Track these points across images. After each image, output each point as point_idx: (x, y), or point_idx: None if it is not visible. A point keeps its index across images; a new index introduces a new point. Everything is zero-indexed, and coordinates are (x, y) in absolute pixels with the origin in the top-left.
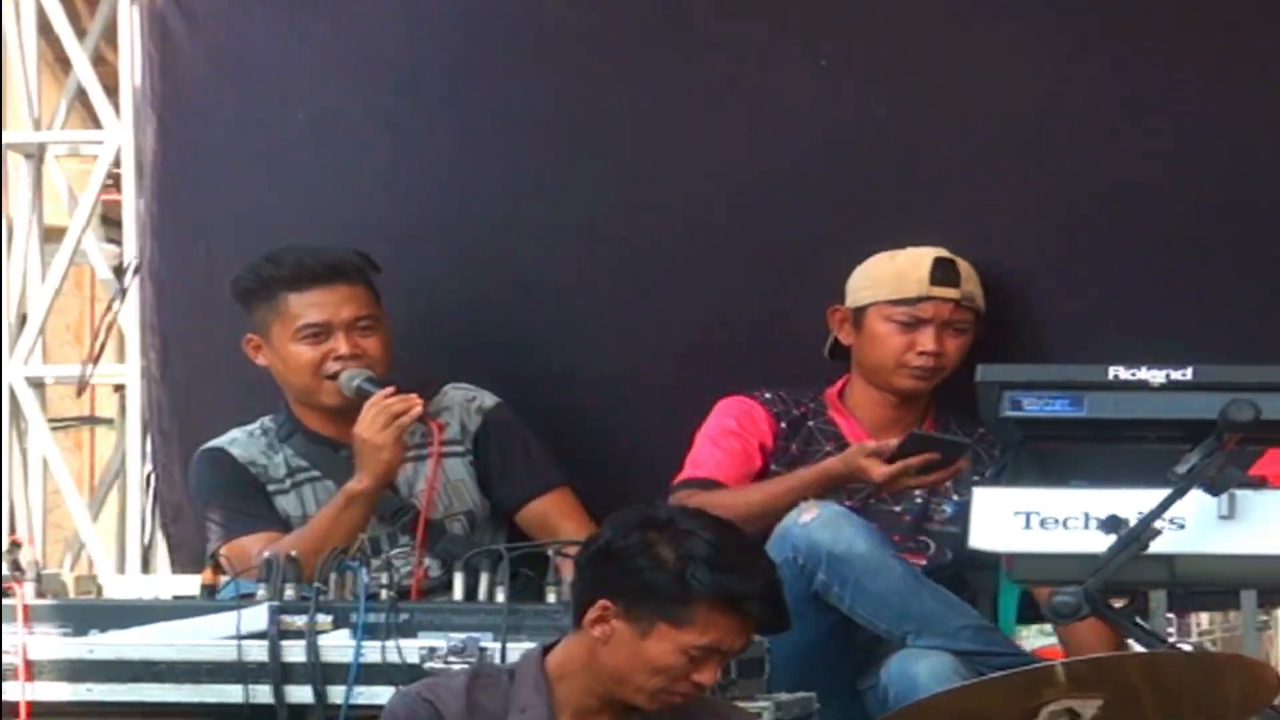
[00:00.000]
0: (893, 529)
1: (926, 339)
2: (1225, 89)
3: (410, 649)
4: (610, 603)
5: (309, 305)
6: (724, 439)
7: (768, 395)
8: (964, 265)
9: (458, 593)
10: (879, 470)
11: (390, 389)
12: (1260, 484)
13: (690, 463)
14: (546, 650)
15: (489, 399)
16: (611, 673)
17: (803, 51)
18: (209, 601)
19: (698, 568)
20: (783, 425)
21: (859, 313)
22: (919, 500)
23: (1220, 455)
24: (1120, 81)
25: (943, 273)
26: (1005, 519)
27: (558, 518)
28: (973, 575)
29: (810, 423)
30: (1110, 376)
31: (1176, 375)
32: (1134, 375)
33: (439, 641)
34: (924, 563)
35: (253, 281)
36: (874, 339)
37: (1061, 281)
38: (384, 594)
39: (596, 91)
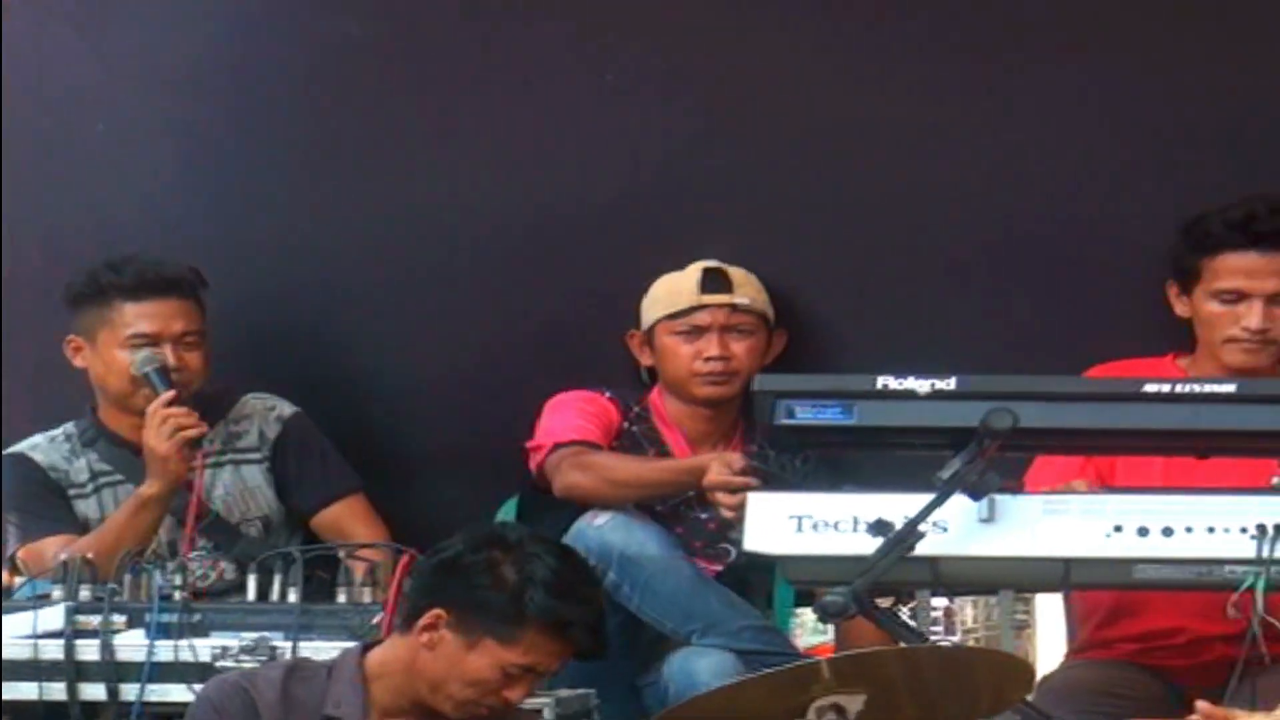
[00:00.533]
0: (696, 536)
1: (709, 345)
2: (1002, 109)
3: (203, 648)
4: (444, 611)
5: (142, 315)
6: (583, 413)
7: (608, 392)
8: (738, 273)
9: (251, 593)
10: (713, 480)
11: (170, 394)
12: (1018, 489)
13: (557, 430)
14: (367, 649)
15: (288, 408)
16: (428, 678)
17: (590, 68)
18: (6, 602)
19: (536, 591)
20: (623, 423)
21: (649, 332)
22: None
23: (981, 461)
24: (906, 94)
25: (712, 281)
26: (779, 522)
27: (351, 523)
28: (754, 576)
29: (635, 427)
30: (879, 385)
31: (941, 385)
32: (901, 384)
33: (231, 641)
34: (720, 569)
35: (88, 286)
36: (665, 354)
37: (849, 291)
38: (177, 595)
39: (388, 102)
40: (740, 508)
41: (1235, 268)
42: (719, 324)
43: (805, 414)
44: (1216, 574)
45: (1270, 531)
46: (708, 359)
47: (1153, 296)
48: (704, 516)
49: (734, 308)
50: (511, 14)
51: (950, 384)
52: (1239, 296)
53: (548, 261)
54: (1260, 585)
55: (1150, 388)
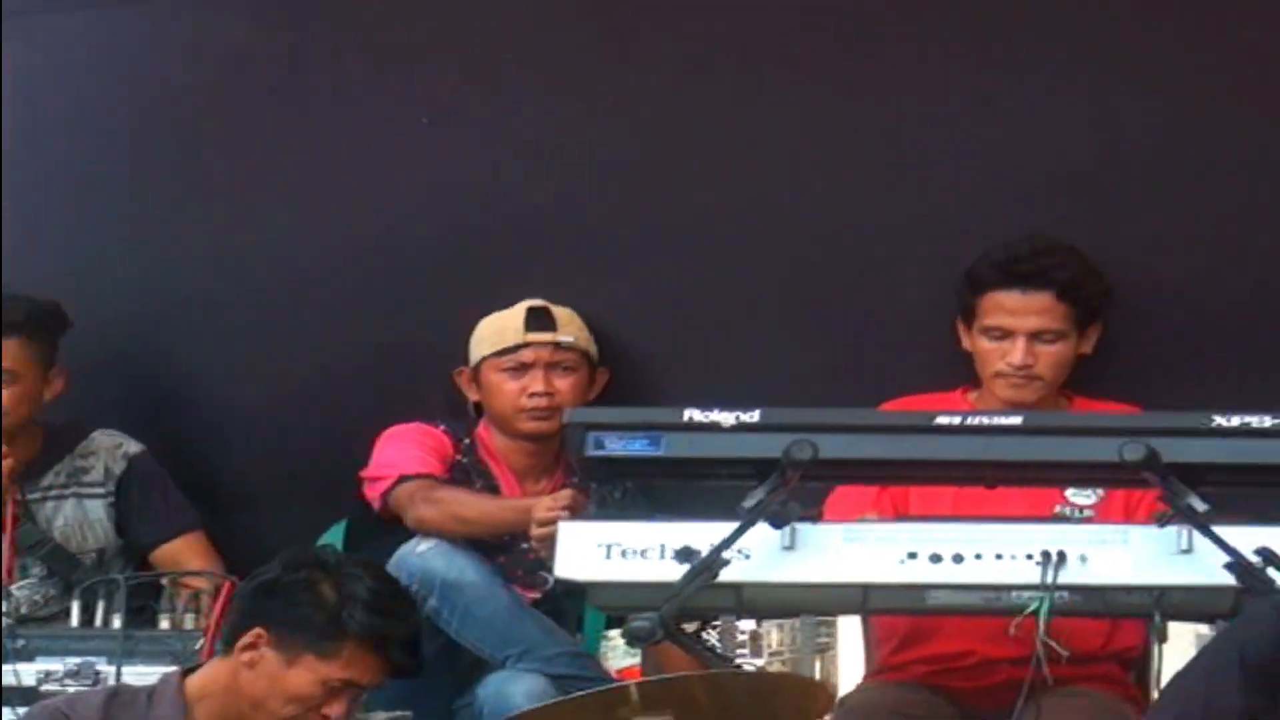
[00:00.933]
0: (517, 564)
1: (533, 382)
2: (809, 151)
3: (27, 672)
4: (264, 631)
5: None
6: (423, 445)
7: (441, 425)
8: (562, 312)
9: (75, 619)
10: (539, 516)
11: None
12: (818, 518)
13: (402, 462)
14: (187, 673)
15: (134, 446)
16: (250, 697)
17: (415, 107)
18: None
19: (355, 608)
20: (455, 456)
21: (476, 370)
22: None
23: (784, 491)
24: (717, 137)
25: (536, 320)
26: (588, 550)
27: (188, 558)
28: (566, 602)
29: (464, 459)
30: (685, 418)
31: (745, 417)
32: (707, 417)
33: (55, 665)
34: (539, 595)
35: None
36: (491, 390)
37: (667, 327)
38: (3, 620)
39: (227, 140)
40: (548, 540)
41: (1000, 306)
42: (543, 361)
43: (614, 446)
44: (1004, 599)
45: (1054, 558)
46: (532, 395)
47: (947, 333)
48: (525, 546)
49: (557, 345)
50: (338, 55)
51: (754, 416)
52: (1004, 334)
53: (377, 296)
54: (1044, 610)
55: (942, 420)
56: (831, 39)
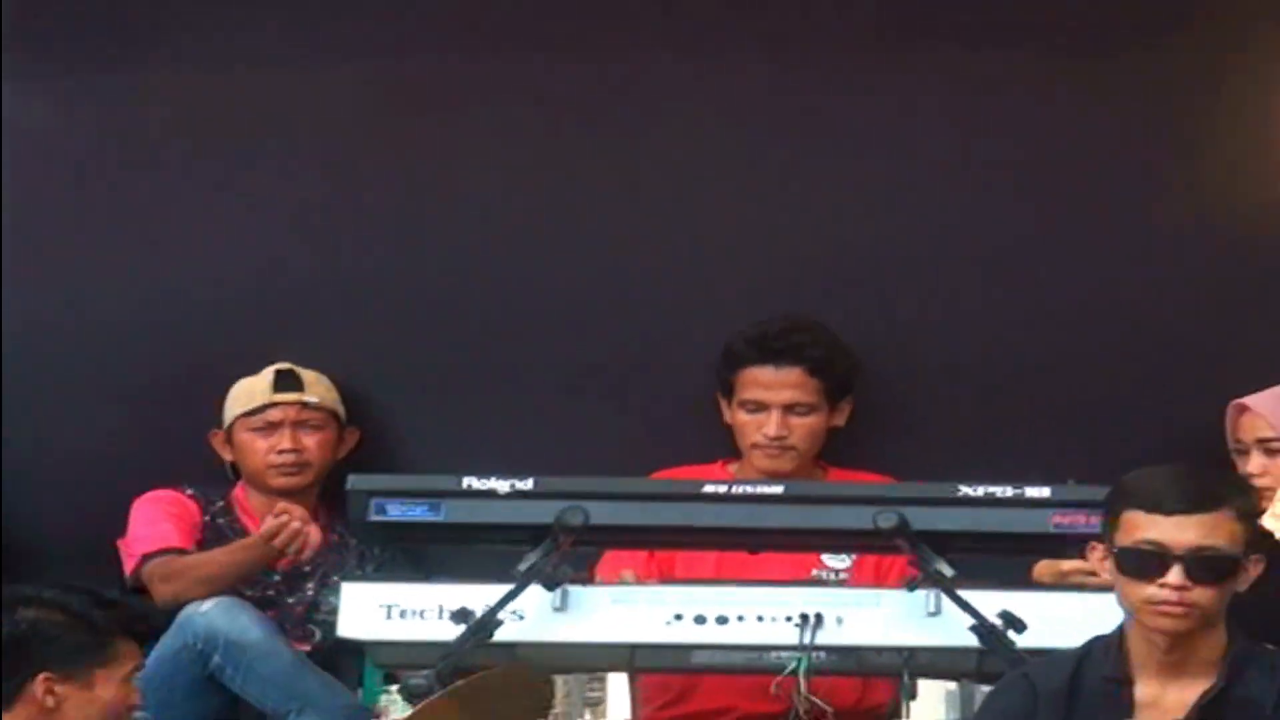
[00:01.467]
0: (286, 619)
1: (281, 440)
2: (597, 217)
3: None
4: (49, 674)
5: None
6: (168, 515)
7: (189, 490)
8: (309, 374)
9: None
10: (267, 528)
11: None
12: (589, 580)
13: (144, 539)
14: None
15: None
16: None
17: (182, 181)
18: None
19: (95, 611)
20: (205, 518)
21: (229, 430)
22: (310, 593)
23: (556, 555)
24: (478, 208)
25: (283, 381)
26: (370, 610)
27: None
28: (343, 658)
29: (219, 520)
30: (464, 486)
31: (520, 485)
32: (484, 485)
33: None
34: (309, 648)
35: None
36: (242, 449)
37: (425, 392)
38: None
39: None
40: (289, 536)
41: (756, 380)
42: (290, 420)
43: (396, 511)
44: (765, 659)
45: (812, 620)
46: (280, 452)
47: (710, 407)
48: (291, 601)
49: (304, 405)
50: (118, 130)
51: (528, 484)
52: (760, 406)
53: (143, 360)
54: (802, 668)
55: (708, 489)
56: (599, 122)
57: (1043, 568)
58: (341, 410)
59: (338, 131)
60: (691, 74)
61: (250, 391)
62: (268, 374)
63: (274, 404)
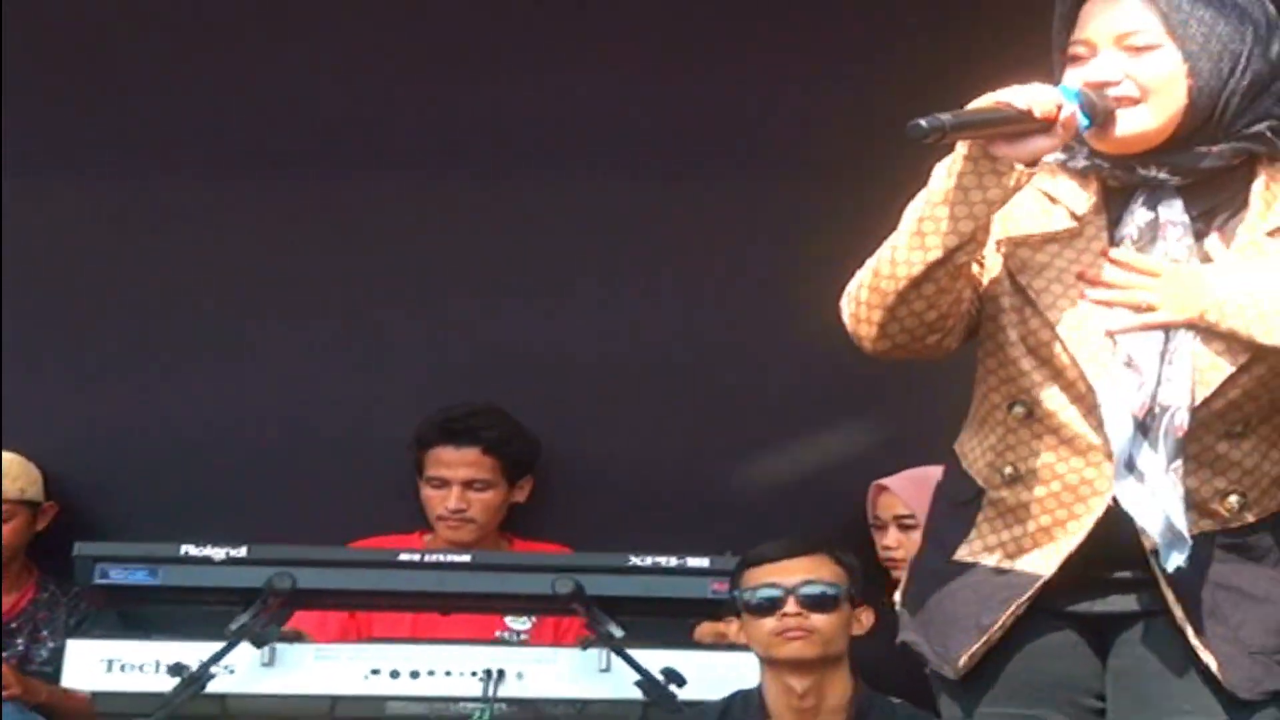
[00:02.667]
0: None
1: None
2: (338, 305)
3: None
4: None
5: None
6: None
7: None
8: (7, 461)
9: None
10: None
11: None
12: (297, 637)
13: None
14: None
15: None
16: None
17: None
18: None
19: None
20: None
21: None
22: (20, 647)
23: (264, 616)
24: (190, 264)
25: None
26: (94, 664)
27: None
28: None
29: None
30: (181, 553)
31: (234, 552)
32: (200, 552)
33: None
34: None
35: None
36: None
37: (126, 465)
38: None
39: None
40: None
41: (439, 459)
42: None
43: (118, 575)
44: (452, 710)
45: (494, 675)
46: None
47: (407, 482)
48: (5, 654)
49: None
50: None
51: (242, 552)
52: (443, 483)
53: None
54: (486, 719)
55: (403, 557)
56: (299, 230)
57: (704, 629)
58: (37, 491)
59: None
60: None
61: None
62: None
63: None
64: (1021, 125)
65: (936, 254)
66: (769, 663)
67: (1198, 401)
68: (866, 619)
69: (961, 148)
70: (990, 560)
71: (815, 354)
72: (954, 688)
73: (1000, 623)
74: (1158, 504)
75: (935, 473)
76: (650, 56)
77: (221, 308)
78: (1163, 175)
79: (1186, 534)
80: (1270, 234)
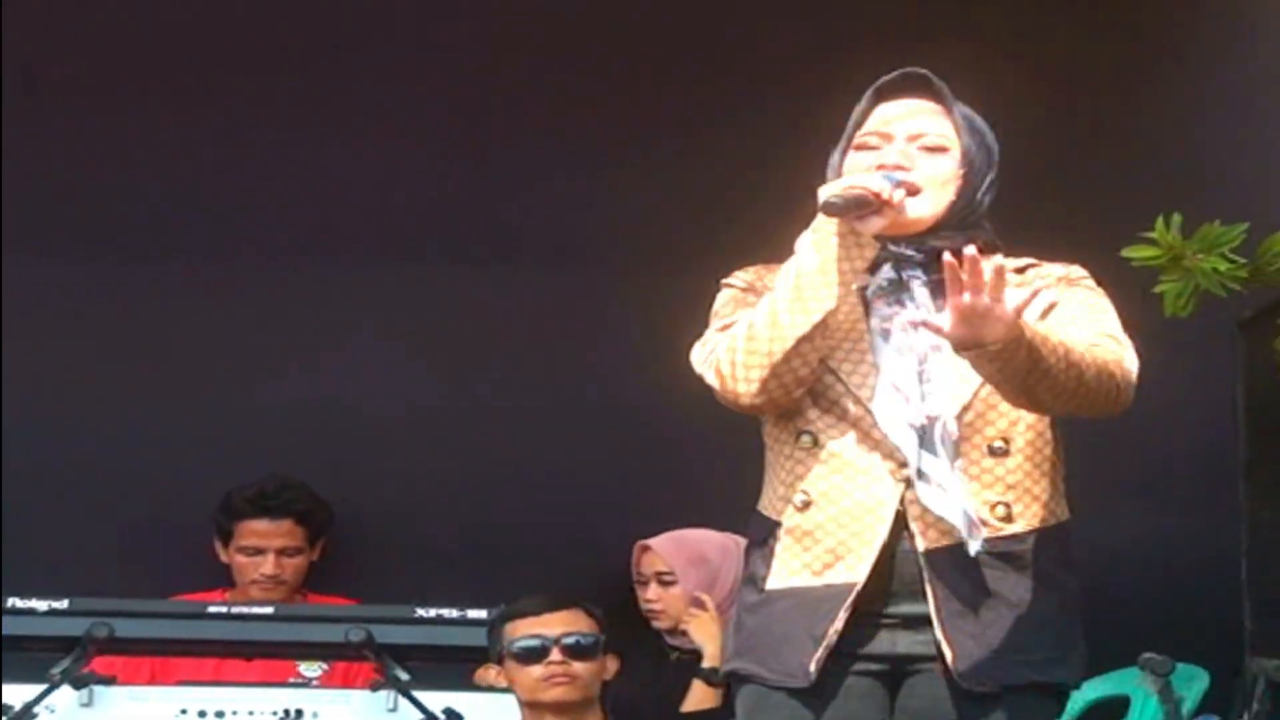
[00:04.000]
0: None
1: None
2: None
3: None
4: None
5: None
6: None
7: None
8: None
9: None
10: None
11: None
12: (112, 680)
13: None
14: None
15: None
16: None
17: None
18: None
19: None
20: None
21: None
22: None
23: (84, 661)
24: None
25: None
26: None
27: None
28: None
29: None
30: (9, 604)
31: (56, 604)
32: (25, 604)
33: None
34: None
35: None
36: None
37: None
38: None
39: None
40: None
41: (253, 530)
42: None
43: None
44: None
45: (292, 714)
46: None
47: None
48: None
49: None
50: None
51: (64, 603)
52: (257, 550)
53: None
54: None
55: (211, 609)
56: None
57: (482, 672)
58: None
59: None
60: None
61: None
62: None
63: None
64: (870, 207)
65: (818, 315)
66: (531, 705)
67: (957, 410)
68: (613, 665)
69: (830, 225)
70: (801, 581)
71: (583, 419)
72: (793, 700)
73: (833, 629)
74: (950, 499)
75: (694, 535)
76: (410, 142)
77: (43, 367)
78: (909, 252)
79: (978, 520)
80: None
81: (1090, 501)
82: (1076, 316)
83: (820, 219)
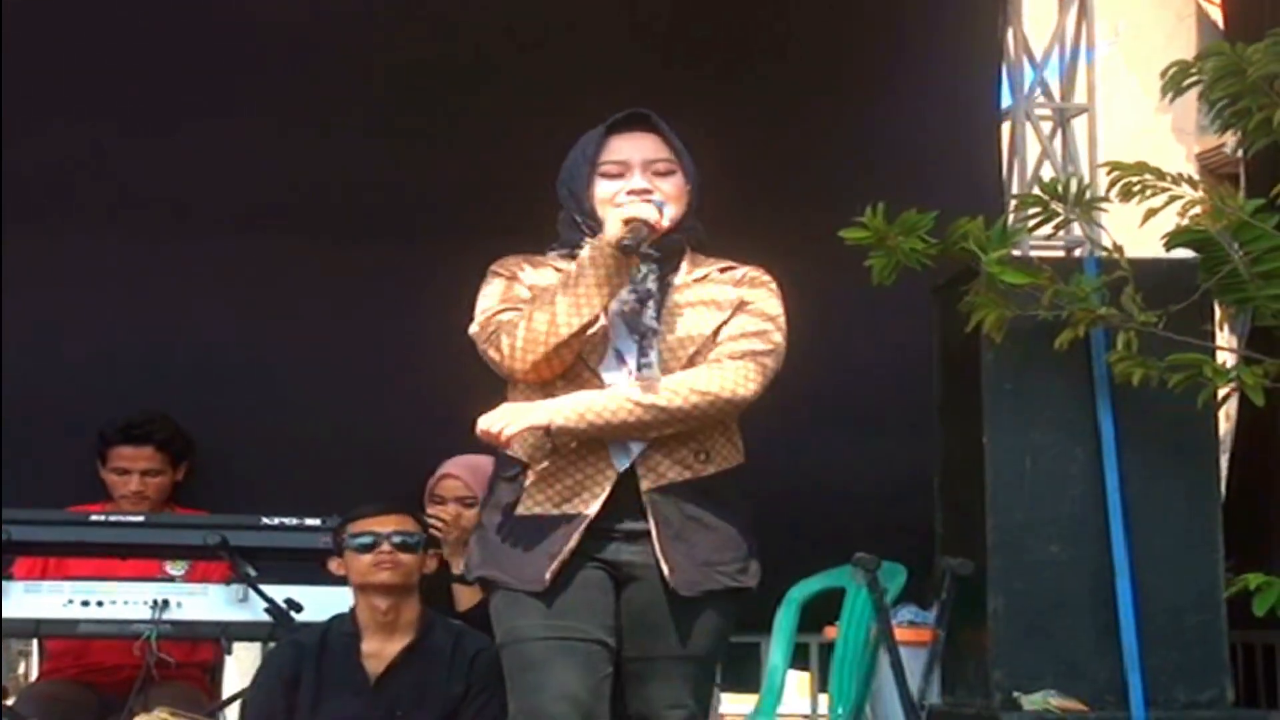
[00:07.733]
0: None
1: None
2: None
3: None
4: None
5: None
6: None
7: None
8: None
9: None
10: None
11: None
12: (9, 577)
13: None
14: None
15: None
16: None
17: None
18: None
19: None
20: None
21: None
22: None
23: None
24: None
25: None
26: None
27: None
28: None
29: None
30: None
31: None
32: None
33: None
34: None
35: None
36: None
37: None
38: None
39: None
40: None
41: (121, 455)
42: None
43: None
44: (130, 629)
45: (159, 603)
46: None
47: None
48: None
49: None
50: None
51: None
52: (124, 472)
53: None
54: (154, 636)
55: (94, 517)
56: None
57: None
58: None
59: None
60: None
61: None
62: None
63: None
64: (652, 234)
65: (588, 316)
66: (362, 589)
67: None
68: (432, 563)
69: (610, 248)
70: (543, 510)
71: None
72: (535, 600)
73: (567, 548)
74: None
75: (484, 461)
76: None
77: None
78: (651, 251)
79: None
80: (696, 281)
81: (817, 432)
82: (733, 335)
83: (600, 239)
